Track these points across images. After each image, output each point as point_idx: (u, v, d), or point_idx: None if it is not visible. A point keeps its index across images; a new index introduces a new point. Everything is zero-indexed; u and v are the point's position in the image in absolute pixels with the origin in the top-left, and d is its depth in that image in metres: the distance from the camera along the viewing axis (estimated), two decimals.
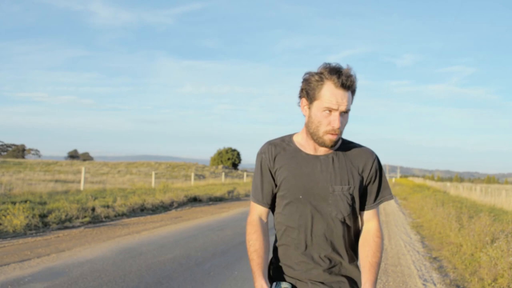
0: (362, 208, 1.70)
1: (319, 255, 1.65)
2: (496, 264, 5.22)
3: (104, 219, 9.64)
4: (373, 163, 1.67)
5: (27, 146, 79.17)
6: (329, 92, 1.54)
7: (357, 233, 1.73)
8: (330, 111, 1.55)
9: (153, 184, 20.48)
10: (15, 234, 7.37)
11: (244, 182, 31.83)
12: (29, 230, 7.72)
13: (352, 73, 1.56)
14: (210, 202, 15.69)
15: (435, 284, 5.19)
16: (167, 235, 7.85)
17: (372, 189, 1.69)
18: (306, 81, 1.60)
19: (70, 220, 8.94)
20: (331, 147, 1.61)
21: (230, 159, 62.39)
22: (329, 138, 1.58)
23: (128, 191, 15.68)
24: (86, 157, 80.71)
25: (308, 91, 1.59)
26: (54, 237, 7.35)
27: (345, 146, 1.69)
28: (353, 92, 1.59)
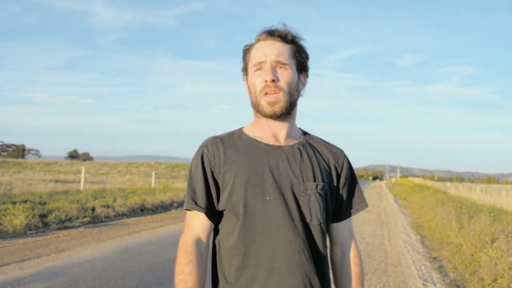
0: (333, 219, 1.34)
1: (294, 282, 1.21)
2: (496, 264, 5.22)
3: (104, 219, 9.65)
4: (344, 161, 1.36)
5: (27, 146, 79.32)
6: (257, 47, 1.30)
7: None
8: (260, 68, 1.28)
9: (153, 184, 20.49)
10: (15, 234, 7.38)
11: None
12: (29, 230, 7.72)
13: (286, 26, 1.31)
14: None
15: (435, 284, 5.19)
16: (167, 235, 7.85)
17: (344, 194, 1.35)
18: (243, 53, 1.36)
19: (70, 220, 8.95)
20: (274, 115, 1.26)
21: None
22: (265, 101, 1.25)
23: (128, 191, 15.67)
24: (86, 157, 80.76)
25: (244, 63, 1.35)
26: (54, 237, 7.35)
27: (311, 139, 1.37)
28: (295, 45, 1.31)
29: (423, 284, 5.14)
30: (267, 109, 1.26)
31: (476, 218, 8.33)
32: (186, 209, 1.27)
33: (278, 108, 1.25)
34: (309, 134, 1.39)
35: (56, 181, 21.55)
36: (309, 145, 1.34)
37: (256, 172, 1.24)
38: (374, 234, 9.14)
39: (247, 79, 1.34)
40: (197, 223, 1.26)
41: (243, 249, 1.22)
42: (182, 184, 23.57)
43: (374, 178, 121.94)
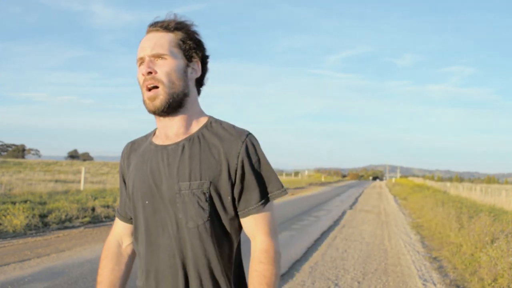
0: (239, 215, 1.21)
1: None
2: (496, 264, 5.22)
3: (104, 219, 9.65)
4: (240, 150, 1.18)
5: (27, 146, 79.34)
6: (141, 42, 1.24)
7: (238, 254, 1.26)
8: (142, 63, 1.21)
9: None
10: (15, 234, 7.38)
11: None
12: (29, 230, 7.72)
13: (174, 15, 1.26)
14: None
15: (435, 284, 5.19)
16: None
17: (246, 186, 1.18)
18: None
19: (70, 220, 8.95)
20: (157, 110, 1.19)
21: None
22: (146, 97, 1.19)
23: None
24: (86, 157, 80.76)
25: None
26: (54, 237, 7.35)
27: (210, 129, 1.23)
28: (180, 33, 1.23)
29: (423, 284, 5.14)
30: (149, 105, 1.19)
31: (476, 218, 8.33)
32: None
33: (159, 102, 1.18)
34: (216, 123, 1.25)
35: (56, 181, 21.54)
36: (200, 138, 1.21)
37: (141, 176, 1.22)
38: (374, 234, 9.14)
39: None
40: (117, 225, 1.36)
41: (138, 254, 1.25)
42: None
43: (374, 178, 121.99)
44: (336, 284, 5.02)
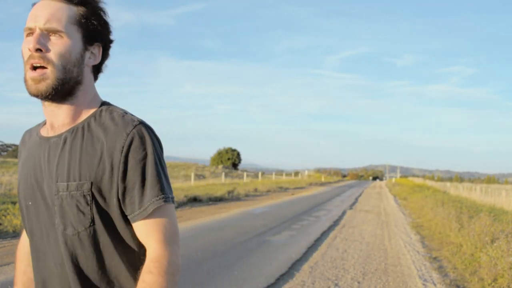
0: (130, 219, 1.02)
1: None
2: (496, 264, 5.22)
3: None
4: (125, 142, 0.98)
5: None
6: (33, 8, 1.01)
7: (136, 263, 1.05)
8: (31, 34, 0.99)
9: None
10: (15, 234, 7.38)
11: (244, 182, 31.84)
12: None
13: None
14: (210, 202, 15.68)
15: (435, 284, 5.19)
16: None
17: (128, 187, 0.99)
18: None
19: None
20: (40, 95, 0.99)
21: (230, 159, 62.41)
22: (29, 76, 0.98)
23: None
24: None
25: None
26: None
27: (98, 119, 1.04)
28: (83, 7, 1.02)
29: (423, 284, 5.14)
30: (31, 87, 0.98)
31: (476, 218, 8.33)
32: None
33: (44, 87, 0.97)
34: (106, 111, 1.05)
35: None
36: (85, 129, 1.02)
37: (25, 173, 1.07)
38: (374, 234, 9.14)
39: None
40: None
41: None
42: (182, 184, 23.59)
43: (374, 178, 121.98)
44: (336, 284, 5.02)
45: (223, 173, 35.14)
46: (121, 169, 0.98)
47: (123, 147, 0.98)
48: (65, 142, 1.02)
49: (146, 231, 1.00)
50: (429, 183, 44.65)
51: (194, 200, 15.36)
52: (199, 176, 39.26)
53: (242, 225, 9.39)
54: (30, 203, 1.05)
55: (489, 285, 5.00)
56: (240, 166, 66.36)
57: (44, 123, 1.12)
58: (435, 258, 6.83)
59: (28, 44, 0.97)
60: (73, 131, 1.03)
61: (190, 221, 10.07)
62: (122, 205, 1.01)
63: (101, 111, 1.05)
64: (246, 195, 20.01)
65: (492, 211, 12.10)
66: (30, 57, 0.97)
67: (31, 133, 1.15)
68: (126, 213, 1.01)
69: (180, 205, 13.75)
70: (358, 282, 5.14)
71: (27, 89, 0.99)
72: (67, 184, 0.99)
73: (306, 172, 68.29)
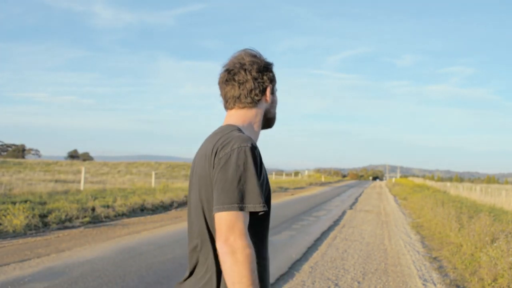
0: None
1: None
2: (496, 264, 5.22)
3: (104, 219, 9.64)
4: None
5: (27, 146, 79.24)
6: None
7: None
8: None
9: (153, 184, 20.47)
10: (15, 234, 7.38)
11: None
12: (29, 230, 7.72)
13: None
14: None
15: (435, 284, 5.19)
16: (167, 235, 7.85)
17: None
18: (271, 67, 1.43)
19: (70, 220, 8.94)
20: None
21: None
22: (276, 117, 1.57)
23: (128, 191, 15.66)
24: (86, 157, 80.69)
25: (274, 77, 1.45)
26: (54, 237, 7.35)
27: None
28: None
29: (423, 284, 5.14)
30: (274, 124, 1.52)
31: (476, 218, 8.33)
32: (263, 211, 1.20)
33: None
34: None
35: (56, 181, 21.54)
36: None
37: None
38: (374, 234, 9.14)
39: (272, 92, 1.43)
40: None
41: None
42: (182, 184, 23.57)
43: (374, 178, 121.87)
44: (336, 284, 5.01)
45: None
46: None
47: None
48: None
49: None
50: (429, 183, 44.65)
51: None
52: None
53: None
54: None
55: (489, 285, 5.00)
56: None
57: None
58: (435, 258, 6.83)
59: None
60: None
61: None
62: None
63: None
64: None
65: (492, 211, 12.10)
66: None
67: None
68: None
69: (180, 205, 13.75)
70: (358, 282, 5.14)
71: (274, 125, 1.49)
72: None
73: (306, 172, 68.23)
